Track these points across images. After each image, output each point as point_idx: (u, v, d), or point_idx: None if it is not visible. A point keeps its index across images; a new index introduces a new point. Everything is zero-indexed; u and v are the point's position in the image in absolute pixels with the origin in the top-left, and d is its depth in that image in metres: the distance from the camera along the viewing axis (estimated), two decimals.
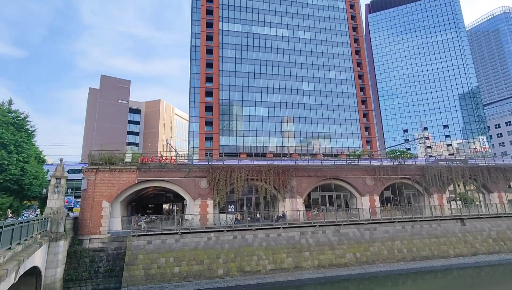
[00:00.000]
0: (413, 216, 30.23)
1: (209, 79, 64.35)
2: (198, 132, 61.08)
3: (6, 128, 28.43)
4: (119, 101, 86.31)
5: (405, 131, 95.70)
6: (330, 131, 66.93)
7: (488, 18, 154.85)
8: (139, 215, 29.00)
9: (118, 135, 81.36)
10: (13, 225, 12.04)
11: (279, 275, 23.29)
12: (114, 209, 26.27)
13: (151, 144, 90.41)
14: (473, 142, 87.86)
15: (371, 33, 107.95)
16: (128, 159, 27.84)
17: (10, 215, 27.25)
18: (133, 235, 23.57)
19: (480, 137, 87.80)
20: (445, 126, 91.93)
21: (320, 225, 27.15)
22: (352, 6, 78.87)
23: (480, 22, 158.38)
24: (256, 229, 25.77)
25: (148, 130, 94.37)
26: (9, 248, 11.51)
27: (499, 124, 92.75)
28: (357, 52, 75.40)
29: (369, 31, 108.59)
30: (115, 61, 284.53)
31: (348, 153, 59.44)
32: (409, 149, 79.12)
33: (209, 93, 63.64)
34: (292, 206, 29.68)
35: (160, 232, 24.12)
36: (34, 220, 16.36)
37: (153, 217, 29.00)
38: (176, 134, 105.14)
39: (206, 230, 25.03)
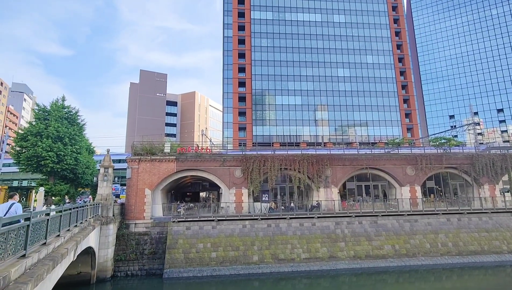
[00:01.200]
0: (460, 208, 28.14)
1: (241, 70, 64.65)
2: (232, 122, 62.10)
3: (61, 122, 31.50)
4: (157, 94, 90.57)
5: (451, 117, 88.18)
6: (367, 119, 63.99)
7: None
8: (178, 202, 30.64)
9: (157, 126, 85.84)
10: (70, 209, 13.44)
11: (314, 263, 23.31)
12: (155, 197, 28.04)
13: (188, 135, 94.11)
14: None
15: (413, 12, 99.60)
16: (167, 149, 29.38)
17: (67, 200, 30.50)
18: (173, 221, 25.04)
19: None
20: (499, 110, 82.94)
21: (356, 216, 26.48)
22: None
23: None
24: (290, 218, 25.91)
25: (185, 121, 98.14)
26: (68, 230, 12.91)
27: None
28: (397, 34, 70.28)
29: (411, 9, 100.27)
30: (152, 56, 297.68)
31: (386, 141, 56.43)
32: (455, 136, 72.97)
33: (241, 84, 64.06)
34: (326, 196, 29.25)
35: (197, 219, 25.31)
36: (88, 205, 18.12)
37: (191, 205, 30.47)
38: (211, 125, 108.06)
39: (241, 218, 25.73)
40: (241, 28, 66.44)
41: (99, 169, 25.81)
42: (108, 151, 26.08)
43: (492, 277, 22.18)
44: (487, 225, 27.11)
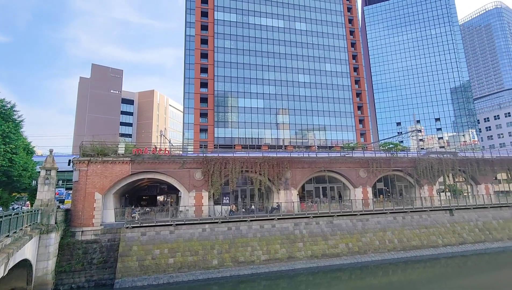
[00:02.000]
0: (404, 207, 30.83)
1: (204, 70, 63.56)
2: (193, 123, 60.64)
3: None
4: (112, 91, 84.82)
5: (398, 124, 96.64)
6: (325, 124, 67.16)
7: (480, 12, 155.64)
8: (133, 207, 28.88)
9: (111, 126, 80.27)
10: (0, 217, 11.76)
11: (273, 265, 23.62)
12: (107, 201, 26.08)
13: (145, 136, 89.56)
14: (463, 135, 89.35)
15: (367, 26, 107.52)
16: (121, 150, 27.53)
17: None
18: (127, 227, 23.52)
19: (470, 130, 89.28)
20: (437, 119, 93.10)
21: (313, 216, 27.49)
22: None
23: (472, 17, 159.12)
24: (251, 220, 25.96)
25: (142, 121, 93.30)
26: None
27: (488, 118, 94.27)
28: (353, 45, 75.18)
29: (365, 23, 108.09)
30: (107, 49, 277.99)
31: (342, 145, 59.78)
32: (402, 141, 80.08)
33: (204, 84, 62.96)
34: (286, 198, 29.92)
35: (154, 224, 24.10)
36: (23, 212, 16.09)
37: (147, 209, 28.91)
38: (171, 126, 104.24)
39: (200, 221, 25.11)
40: (204, 27, 65.44)
41: (39, 172, 23.19)
42: (51, 151, 23.59)
43: (430, 269, 24.61)
44: (426, 222, 30.08)
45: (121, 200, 30.33)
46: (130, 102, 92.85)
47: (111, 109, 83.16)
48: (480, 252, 28.19)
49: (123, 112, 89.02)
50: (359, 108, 71.28)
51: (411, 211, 30.35)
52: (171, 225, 24.25)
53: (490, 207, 33.24)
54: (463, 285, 21.21)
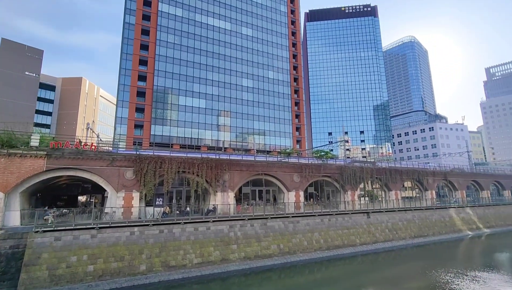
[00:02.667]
0: (331, 210, 33.81)
1: (143, 62, 59.44)
2: (127, 118, 56.00)
3: None
4: (27, 73, 72.69)
5: (330, 133, 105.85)
6: (264, 129, 69.39)
7: (399, 43, 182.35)
8: (46, 208, 25.14)
9: (23, 113, 68.61)
10: None
11: (206, 268, 23.25)
12: (11, 201, 22.19)
13: (68, 128, 79.10)
14: (381, 147, 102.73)
15: (308, 40, 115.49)
16: (34, 142, 23.76)
17: None
18: (36, 231, 20.32)
19: (386, 143, 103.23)
20: (361, 132, 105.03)
21: (249, 219, 28.03)
22: (292, 12, 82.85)
23: (393, 46, 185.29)
24: (185, 222, 25.12)
25: (65, 111, 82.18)
26: None
27: (400, 134, 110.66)
28: (294, 56, 79.77)
29: (306, 38, 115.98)
30: (23, 23, 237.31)
31: (279, 150, 62.65)
32: (332, 150, 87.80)
33: (142, 77, 58.83)
34: (223, 200, 29.86)
35: (72, 227, 21.38)
36: None
37: (64, 211, 25.54)
38: (101, 119, 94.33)
39: (129, 224, 23.23)
40: (146, 17, 61.42)
41: None
42: None
43: (349, 265, 27.47)
44: (348, 223, 33.51)
45: (30, 200, 26.10)
46: (51, 88, 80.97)
47: (25, 93, 71.09)
48: (389, 249, 32.64)
49: (41, 99, 77.09)
50: (297, 116, 75.79)
51: (336, 214, 33.41)
52: (93, 228, 21.84)
53: (398, 210, 38.81)
54: (375, 278, 24.18)
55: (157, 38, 61.21)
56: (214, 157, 31.51)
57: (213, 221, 26.34)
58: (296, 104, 76.46)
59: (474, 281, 22.32)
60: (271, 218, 29.29)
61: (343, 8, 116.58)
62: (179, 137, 59.61)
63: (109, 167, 25.73)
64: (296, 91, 77.25)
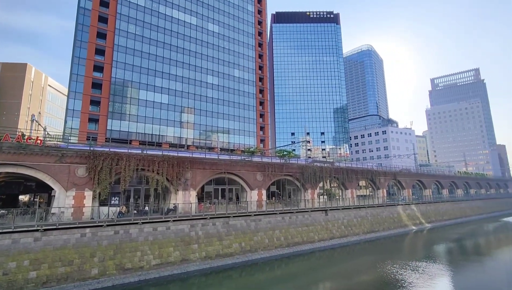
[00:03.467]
0: (291, 208, 34.82)
1: (100, 52, 55.36)
2: (80, 111, 51.72)
3: None
4: None
5: (293, 134, 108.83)
6: (229, 127, 69.02)
7: (357, 51, 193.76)
8: None
9: None
10: None
11: (165, 269, 22.50)
12: None
13: (8, 118, 70.83)
14: (340, 148, 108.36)
15: (274, 41, 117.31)
16: None
17: None
18: None
19: (344, 144, 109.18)
20: (322, 133, 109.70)
21: (211, 217, 27.71)
22: (260, 12, 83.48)
23: (352, 53, 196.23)
24: (143, 222, 24.03)
25: (5, 100, 73.45)
26: None
27: (356, 136, 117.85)
28: (260, 56, 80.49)
29: (273, 39, 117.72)
30: None
31: (243, 149, 62.78)
32: (294, 150, 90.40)
33: (98, 68, 54.77)
34: (184, 199, 29.14)
35: (11, 230, 19.22)
36: None
37: (2, 211, 22.87)
38: (48, 110, 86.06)
39: (79, 225, 21.55)
40: (105, 4, 57.30)
41: None
42: None
43: (307, 261, 28.55)
44: (307, 221, 34.82)
45: None
46: None
47: None
48: (344, 245, 34.59)
49: None
50: (261, 116, 76.65)
51: (296, 212, 34.50)
52: (37, 230, 19.88)
53: (353, 208, 41.28)
54: (331, 273, 25.44)
55: (117, 27, 57.48)
56: (176, 154, 30.58)
57: (174, 220, 25.57)
58: (261, 103, 77.28)
59: (415, 271, 24.69)
60: (234, 216, 29.29)
61: (308, 13, 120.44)
62: (138, 133, 56.74)
63: (57, 163, 23.61)
64: (261, 91, 78.03)
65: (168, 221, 25.30)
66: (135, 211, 26.55)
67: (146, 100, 58.63)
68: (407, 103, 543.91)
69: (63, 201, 23.53)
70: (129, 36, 58.68)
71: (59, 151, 24.01)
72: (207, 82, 67.47)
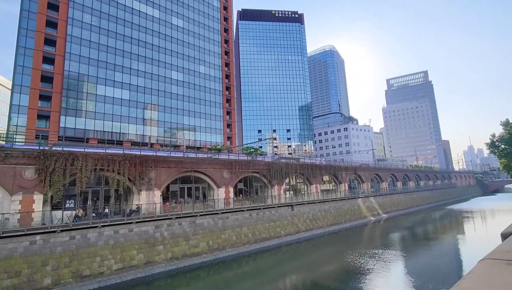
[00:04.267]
0: (259, 204, 35.19)
1: (50, 42, 50.62)
2: (27, 106, 46.94)
3: None
4: None
5: (260, 131, 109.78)
6: (195, 124, 67.54)
7: (321, 51, 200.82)
8: None
9: None
10: None
11: (127, 273, 21.46)
12: None
13: None
14: (305, 145, 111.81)
15: (240, 39, 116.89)
16: None
17: None
18: None
19: (309, 141, 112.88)
20: (288, 130, 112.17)
21: (176, 217, 26.98)
22: (225, 8, 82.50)
23: (316, 53, 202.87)
24: (103, 225, 22.64)
25: None
26: None
27: (320, 133, 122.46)
28: (227, 53, 79.70)
29: (239, 36, 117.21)
30: None
31: (210, 147, 61.90)
32: (261, 147, 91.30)
33: (49, 60, 50.07)
34: (148, 199, 28.00)
35: None
36: None
37: None
38: None
39: (28, 232, 19.66)
40: None
41: None
42: None
43: (274, 256, 29.13)
44: (274, 216, 35.47)
45: None
46: None
47: None
48: (310, 238, 35.85)
49: None
50: (228, 113, 76.14)
51: (263, 208, 34.95)
52: None
53: (318, 202, 42.90)
54: (297, 266, 26.22)
55: (69, 16, 52.99)
56: (139, 153, 29.20)
57: (137, 222, 24.45)
58: (228, 101, 76.72)
59: (372, 258, 26.47)
60: (200, 215, 28.82)
61: (273, 12, 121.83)
62: (97, 131, 53.14)
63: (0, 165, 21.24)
64: (227, 88, 77.42)
65: (131, 223, 24.14)
66: (94, 214, 24.91)
67: (105, 96, 55.07)
68: (366, 102, 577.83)
69: (8, 206, 21.27)
70: (84, 26, 54.50)
71: (2, 151, 21.62)
72: (171, 78, 65.25)
